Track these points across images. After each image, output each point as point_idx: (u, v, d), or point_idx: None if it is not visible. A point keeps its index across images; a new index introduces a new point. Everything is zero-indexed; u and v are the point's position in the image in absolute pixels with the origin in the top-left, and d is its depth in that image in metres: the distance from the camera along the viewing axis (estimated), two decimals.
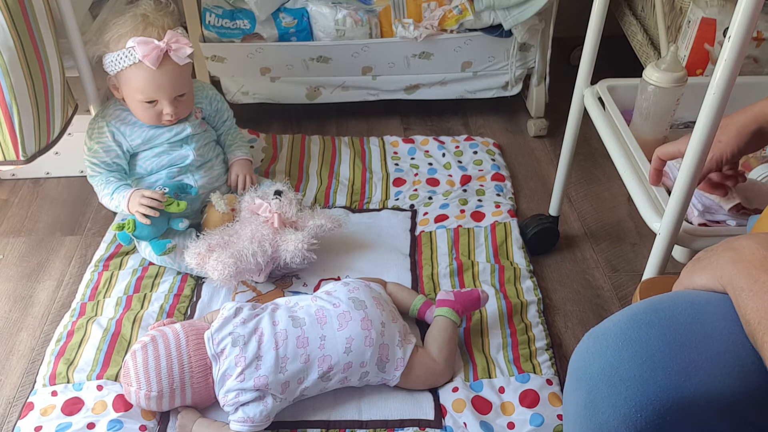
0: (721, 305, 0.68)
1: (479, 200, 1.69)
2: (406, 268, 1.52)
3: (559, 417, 1.20)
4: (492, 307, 1.40)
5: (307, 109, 2.06)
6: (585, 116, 1.35)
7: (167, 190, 1.42)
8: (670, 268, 1.05)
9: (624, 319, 0.69)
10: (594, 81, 1.33)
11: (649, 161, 1.12)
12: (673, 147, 1.03)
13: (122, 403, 1.20)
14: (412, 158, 1.86)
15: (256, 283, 1.46)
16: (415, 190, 1.74)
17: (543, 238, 1.59)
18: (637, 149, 1.15)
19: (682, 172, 0.94)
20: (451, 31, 1.84)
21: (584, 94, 1.33)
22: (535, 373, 1.27)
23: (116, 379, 1.24)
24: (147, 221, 1.38)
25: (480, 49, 1.87)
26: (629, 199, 1.66)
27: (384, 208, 1.70)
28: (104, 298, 1.42)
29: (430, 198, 1.71)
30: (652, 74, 1.20)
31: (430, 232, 1.60)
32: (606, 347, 0.68)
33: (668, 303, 0.70)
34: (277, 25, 1.83)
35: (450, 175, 1.78)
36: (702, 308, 0.69)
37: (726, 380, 0.64)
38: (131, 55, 1.38)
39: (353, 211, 1.69)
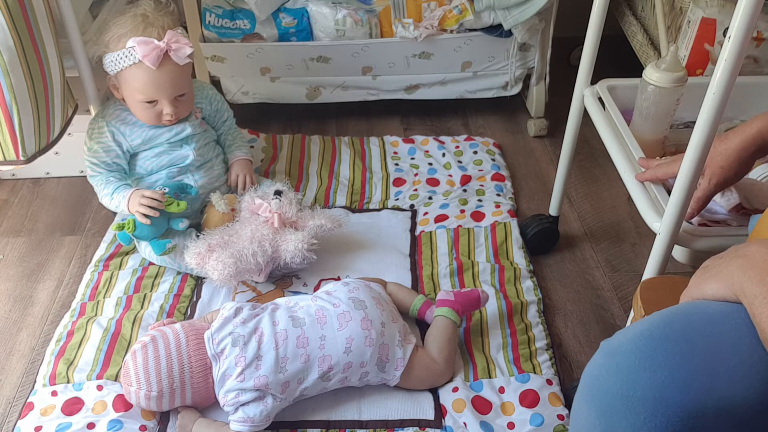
0: (734, 315, 0.67)
1: (479, 200, 1.69)
2: (406, 268, 1.52)
3: (560, 417, 1.19)
4: (492, 307, 1.40)
5: (307, 109, 2.06)
6: (585, 116, 1.35)
7: (167, 190, 1.42)
8: (670, 268, 1.05)
9: (638, 335, 0.67)
10: (594, 81, 1.33)
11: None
12: (671, 167, 1.04)
13: (122, 403, 1.20)
14: (412, 158, 1.86)
15: (256, 283, 1.46)
16: (415, 190, 1.74)
17: (543, 238, 1.58)
18: (637, 149, 1.15)
19: (682, 172, 0.94)
20: (451, 31, 1.84)
21: (584, 94, 1.33)
22: (535, 373, 1.27)
23: (116, 379, 1.24)
24: (147, 221, 1.38)
25: (480, 49, 1.87)
26: (629, 199, 1.66)
27: (384, 208, 1.70)
28: (104, 298, 1.42)
29: (430, 198, 1.71)
30: (652, 74, 1.20)
31: (430, 232, 1.60)
32: (621, 365, 0.66)
33: (682, 316, 0.68)
34: (277, 25, 1.83)
35: (450, 175, 1.78)
36: (716, 319, 0.67)
37: (744, 393, 0.63)
38: (131, 55, 1.38)
39: (353, 211, 1.69)
